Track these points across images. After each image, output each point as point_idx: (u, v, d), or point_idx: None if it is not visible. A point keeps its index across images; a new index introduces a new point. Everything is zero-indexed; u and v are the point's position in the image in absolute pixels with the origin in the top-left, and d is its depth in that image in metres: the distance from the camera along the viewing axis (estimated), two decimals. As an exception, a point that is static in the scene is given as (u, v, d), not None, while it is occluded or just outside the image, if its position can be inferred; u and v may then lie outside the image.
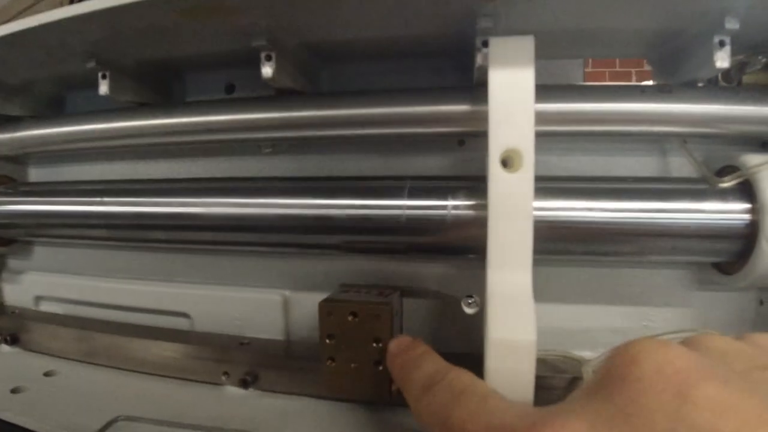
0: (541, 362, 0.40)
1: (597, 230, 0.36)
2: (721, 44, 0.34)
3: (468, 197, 0.37)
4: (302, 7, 0.34)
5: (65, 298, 0.52)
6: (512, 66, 0.32)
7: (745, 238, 0.35)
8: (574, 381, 0.37)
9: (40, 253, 0.54)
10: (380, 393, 0.38)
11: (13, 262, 0.55)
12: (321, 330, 0.38)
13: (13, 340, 0.48)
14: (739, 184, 0.35)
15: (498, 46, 0.33)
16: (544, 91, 0.38)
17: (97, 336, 0.46)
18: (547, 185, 0.37)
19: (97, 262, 0.51)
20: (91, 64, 0.40)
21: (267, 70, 0.38)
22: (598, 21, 0.36)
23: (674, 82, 0.39)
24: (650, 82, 0.42)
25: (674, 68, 0.39)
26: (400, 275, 0.44)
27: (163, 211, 0.42)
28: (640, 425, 0.17)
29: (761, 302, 0.40)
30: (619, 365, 0.19)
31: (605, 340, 0.42)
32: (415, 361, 0.32)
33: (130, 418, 0.38)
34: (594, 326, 0.42)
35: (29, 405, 0.39)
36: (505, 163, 0.33)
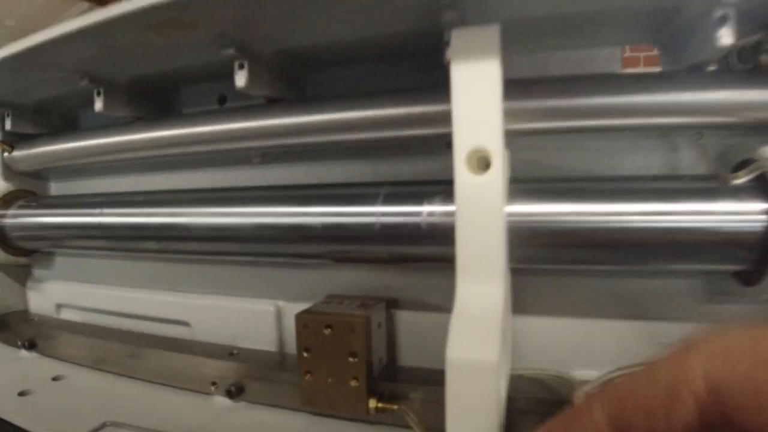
0: (536, 382, 0.37)
1: (588, 236, 0.33)
2: (723, 20, 0.29)
3: (445, 202, 0.34)
4: (263, 15, 0.34)
5: (82, 305, 0.55)
6: (475, 58, 0.30)
7: (765, 243, 0.30)
8: (564, 404, 0.34)
9: (61, 262, 0.57)
10: (357, 409, 0.36)
11: (37, 272, 0.58)
12: (298, 342, 0.37)
13: (31, 346, 0.51)
14: (756, 180, 0.30)
15: (460, 37, 0.30)
16: (528, 85, 0.35)
17: (105, 344, 0.48)
18: (534, 187, 0.34)
19: (110, 271, 0.53)
20: (84, 82, 0.42)
21: (240, 79, 0.37)
22: (579, 4, 0.32)
23: (681, 66, 0.34)
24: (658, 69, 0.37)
25: (680, 52, 0.34)
26: (394, 286, 0.42)
27: (152, 221, 0.42)
28: None
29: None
30: None
31: (612, 360, 0.37)
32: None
33: (116, 424, 0.38)
34: (600, 344, 0.38)
35: (31, 407, 0.41)
36: (474, 164, 0.30)
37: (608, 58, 0.40)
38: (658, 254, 0.32)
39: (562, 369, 0.38)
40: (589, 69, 0.39)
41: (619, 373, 0.33)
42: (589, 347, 0.38)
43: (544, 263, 0.35)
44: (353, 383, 0.36)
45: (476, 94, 0.30)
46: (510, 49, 0.37)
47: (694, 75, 0.33)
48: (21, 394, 0.43)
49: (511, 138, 0.35)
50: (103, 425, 0.38)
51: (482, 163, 0.30)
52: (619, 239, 0.32)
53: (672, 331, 0.37)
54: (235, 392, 0.41)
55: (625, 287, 0.38)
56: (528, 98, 0.34)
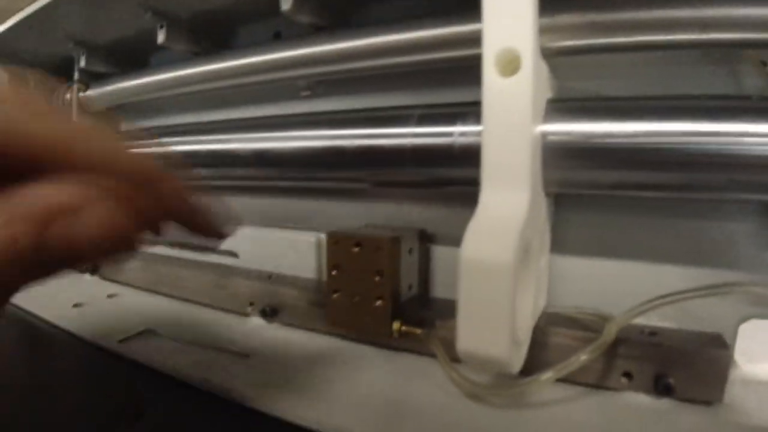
0: (572, 320, 0.35)
1: (634, 157, 0.30)
2: None
3: (478, 122, 0.33)
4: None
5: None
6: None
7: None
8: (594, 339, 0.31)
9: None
10: (380, 330, 0.36)
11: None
12: (328, 260, 0.38)
13: (93, 270, 0.56)
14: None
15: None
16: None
17: (159, 267, 0.51)
18: (576, 105, 0.32)
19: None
20: (148, 15, 0.45)
21: (285, 3, 0.38)
22: None
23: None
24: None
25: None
26: (432, 220, 0.42)
27: (201, 148, 0.45)
28: None
29: None
30: None
31: (670, 312, 0.34)
32: None
33: (154, 332, 0.41)
34: (648, 290, 0.35)
35: (82, 316, 0.45)
36: (503, 67, 0.29)
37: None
38: (710, 179, 0.30)
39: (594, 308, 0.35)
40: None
41: (654, 303, 0.31)
42: (636, 293, 0.35)
43: (585, 187, 0.33)
44: (378, 303, 0.36)
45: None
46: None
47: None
48: (75, 305, 0.47)
49: (558, 60, 0.34)
50: (142, 331, 0.41)
51: (512, 66, 0.29)
52: (667, 161, 0.29)
53: (727, 279, 0.33)
54: (269, 313, 0.42)
55: (678, 229, 0.35)
56: (572, 11, 0.32)
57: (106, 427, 0.29)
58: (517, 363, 0.29)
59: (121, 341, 0.39)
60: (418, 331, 0.35)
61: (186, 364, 0.35)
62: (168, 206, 0.19)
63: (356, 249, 0.36)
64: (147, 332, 0.40)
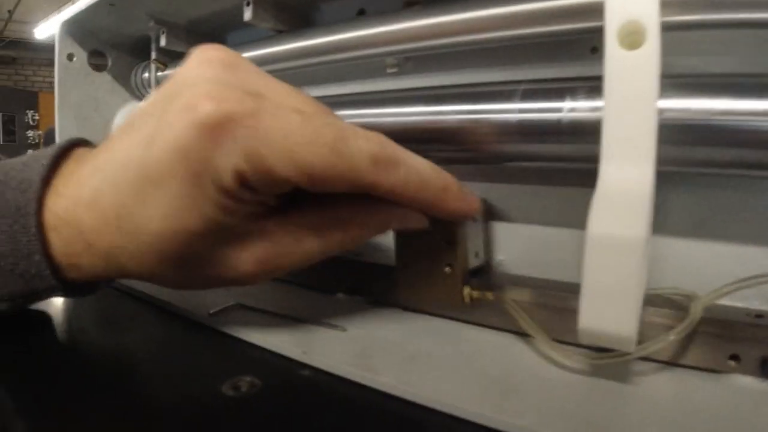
0: (658, 299, 0.34)
1: (748, 136, 0.29)
2: None
3: (589, 98, 0.33)
4: None
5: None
6: None
7: None
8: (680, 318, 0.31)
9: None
10: (451, 297, 0.36)
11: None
12: (396, 231, 0.37)
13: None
14: None
15: None
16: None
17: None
18: (688, 81, 0.31)
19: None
20: (236, -8, 0.45)
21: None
22: None
23: None
24: None
25: None
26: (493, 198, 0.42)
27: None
28: None
29: None
30: None
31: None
32: None
33: (244, 306, 0.41)
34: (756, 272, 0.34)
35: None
36: (625, 40, 0.29)
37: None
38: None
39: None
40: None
41: (744, 284, 0.30)
42: (732, 274, 0.34)
43: (698, 165, 0.32)
44: (447, 270, 0.36)
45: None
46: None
47: None
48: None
49: (669, 36, 0.33)
50: (232, 305, 0.41)
51: (635, 38, 0.28)
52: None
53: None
54: (350, 290, 0.43)
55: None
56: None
57: (207, 395, 0.29)
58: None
59: (212, 314, 0.39)
60: (490, 295, 0.35)
61: (285, 337, 0.36)
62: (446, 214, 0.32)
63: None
64: (238, 306, 0.41)
